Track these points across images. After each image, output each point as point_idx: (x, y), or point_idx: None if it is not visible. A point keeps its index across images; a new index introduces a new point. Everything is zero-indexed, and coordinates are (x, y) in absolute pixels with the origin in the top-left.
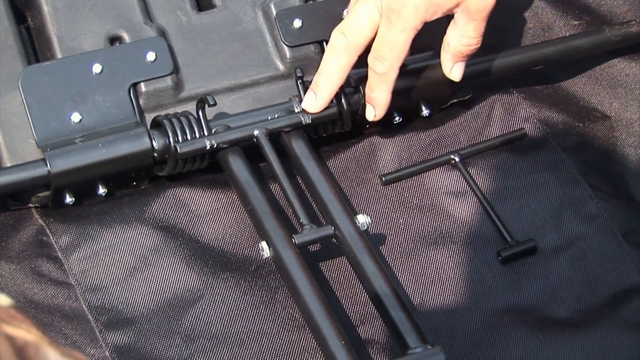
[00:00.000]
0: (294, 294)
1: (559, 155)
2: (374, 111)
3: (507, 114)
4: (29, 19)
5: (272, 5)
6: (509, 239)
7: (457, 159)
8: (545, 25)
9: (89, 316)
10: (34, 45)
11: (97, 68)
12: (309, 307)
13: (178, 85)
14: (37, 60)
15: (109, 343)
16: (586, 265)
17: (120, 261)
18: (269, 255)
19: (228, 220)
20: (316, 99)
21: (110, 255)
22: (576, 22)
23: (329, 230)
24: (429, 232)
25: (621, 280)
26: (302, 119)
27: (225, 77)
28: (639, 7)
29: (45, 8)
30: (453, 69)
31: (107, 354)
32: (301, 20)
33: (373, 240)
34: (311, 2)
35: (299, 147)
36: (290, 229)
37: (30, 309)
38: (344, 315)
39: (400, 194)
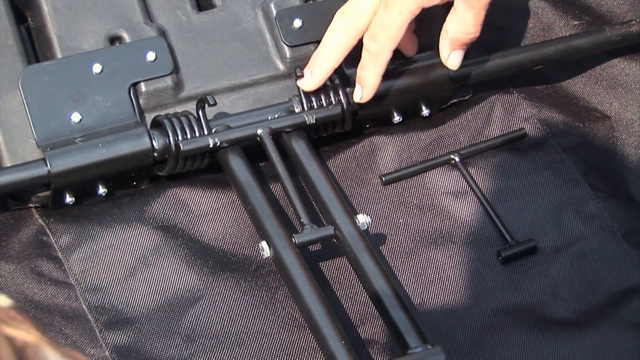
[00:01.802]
0: (294, 293)
1: (559, 155)
2: (362, 92)
3: (507, 114)
4: (29, 19)
5: (272, 5)
6: (509, 239)
7: (457, 159)
8: (545, 25)
9: (89, 316)
10: (34, 45)
11: (97, 68)
12: (309, 307)
13: (178, 85)
14: (37, 60)
15: (109, 343)
16: (586, 265)
17: (120, 261)
18: (269, 255)
19: (228, 220)
20: (312, 77)
21: (110, 255)
22: (576, 22)
23: (329, 230)
24: (429, 232)
25: (621, 280)
26: (306, 119)
27: (225, 77)
28: (639, 6)
29: (45, 8)
30: (450, 57)
31: (107, 354)
32: (301, 20)
33: (373, 240)
34: (311, 1)
35: (300, 147)
36: (290, 228)
37: (30, 309)
38: (344, 315)
39: (401, 194)
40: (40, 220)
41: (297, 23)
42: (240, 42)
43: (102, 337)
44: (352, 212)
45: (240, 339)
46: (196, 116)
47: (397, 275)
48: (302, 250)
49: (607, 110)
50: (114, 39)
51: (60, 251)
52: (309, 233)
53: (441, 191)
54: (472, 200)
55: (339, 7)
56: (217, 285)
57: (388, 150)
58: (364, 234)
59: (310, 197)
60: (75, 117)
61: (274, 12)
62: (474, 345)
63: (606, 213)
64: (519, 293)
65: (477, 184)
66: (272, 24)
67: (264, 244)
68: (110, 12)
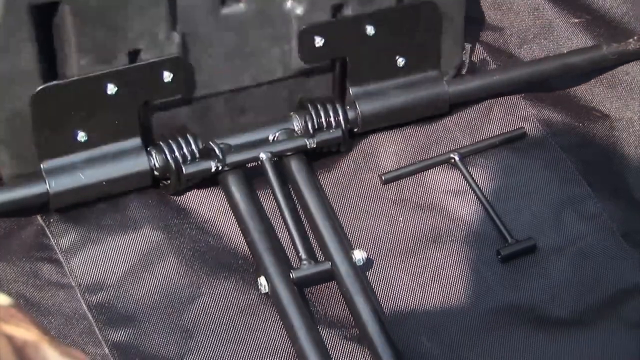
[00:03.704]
0: (289, 333)
1: (558, 154)
2: None
3: (507, 113)
4: (52, 29)
5: (298, 11)
6: (508, 237)
7: (456, 158)
8: (546, 23)
9: (89, 316)
10: (51, 53)
11: (111, 89)
12: (304, 350)
13: (186, 94)
14: (54, 70)
15: (108, 340)
16: (586, 265)
17: (120, 262)
18: (267, 290)
19: (227, 221)
20: None
21: (110, 256)
22: (576, 20)
23: (326, 265)
24: (428, 231)
25: (621, 280)
26: (307, 144)
27: (231, 81)
28: (637, 6)
29: (68, 19)
30: None
31: (107, 351)
32: (323, 39)
33: (373, 239)
34: (337, 17)
35: (301, 174)
36: (288, 261)
37: (30, 310)
38: (340, 355)
39: (400, 193)
40: (40, 221)
41: (319, 42)
42: (255, 47)
43: (102, 335)
44: (349, 247)
45: (239, 336)
46: (197, 141)
47: (396, 274)
48: (299, 285)
49: (607, 109)
50: (134, 53)
51: (60, 253)
52: (306, 269)
53: (441, 190)
54: (472, 199)
55: (363, 25)
56: (216, 285)
57: (387, 149)
58: (360, 271)
59: (309, 228)
60: (81, 136)
61: (300, 17)
62: (473, 344)
63: (605, 212)
64: (518, 292)
65: (476, 183)
66: (290, 32)
67: (262, 279)
68: (133, 23)
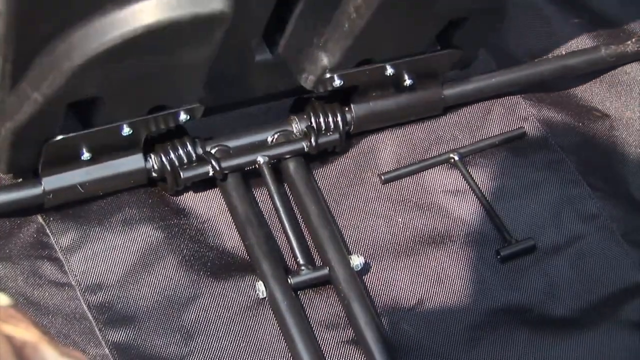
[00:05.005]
0: (287, 338)
1: (558, 154)
2: None
3: (507, 113)
4: None
5: (324, 64)
6: (508, 237)
7: (456, 158)
8: (545, 22)
9: (89, 315)
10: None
11: (126, 132)
12: (301, 356)
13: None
14: (73, 122)
15: (108, 341)
16: (585, 265)
17: (120, 261)
18: (265, 296)
19: (227, 221)
20: None
21: (111, 255)
22: (576, 21)
23: (324, 271)
24: (427, 230)
25: (620, 279)
26: (305, 147)
27: (240, 97)
28: (637, 6)
29: (104, 99)
30: None
31: (107, 351)
32: (342, 81)
33: (372, 239)
34: (362, 68)
35: (299, 178)
36: (286, 265)
37: (30, 309)
38: None
39: (400, 193)
40: (40, 219)
41: (338, 83)
42: (274, 79)
43: (102, 335)
44: (347, 252)
45: (238, 337)
46: (196, 143)
47: (396, 274)
48: (297, 290)
49: (607, 109)
50: (156, 109)
51: (60, 252)
52: (305, 274)
53: (440, 190)
54: (471, 199)
55: (384, 68)
56: (215, 286)
57: (387, 149)
58: (358, 276)
59: (307, 232)
60: (86, 156)
61: (325, 67)
62: (472, 343)
63: (605, 212)
64: (518, 292)
65: (476, 183)
66: (316, 72)
67: (260, 285)
68: (166, 93)
